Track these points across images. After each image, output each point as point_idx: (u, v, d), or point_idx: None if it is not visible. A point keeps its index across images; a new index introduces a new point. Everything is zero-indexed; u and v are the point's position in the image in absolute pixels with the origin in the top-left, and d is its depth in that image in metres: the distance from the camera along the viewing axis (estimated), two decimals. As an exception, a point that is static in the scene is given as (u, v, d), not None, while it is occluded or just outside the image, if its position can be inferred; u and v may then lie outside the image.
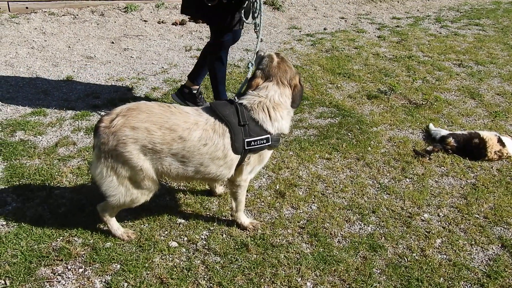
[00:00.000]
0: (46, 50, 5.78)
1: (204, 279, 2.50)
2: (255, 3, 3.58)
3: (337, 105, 4.87)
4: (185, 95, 4.31)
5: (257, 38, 3.69)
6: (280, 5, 8.59)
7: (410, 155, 3.99)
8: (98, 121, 2.42)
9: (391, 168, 3.78)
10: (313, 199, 3.28)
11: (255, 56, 3.43)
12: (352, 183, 3.52)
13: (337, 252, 2.77)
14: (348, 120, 4.56)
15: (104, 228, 2.78)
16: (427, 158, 3.94)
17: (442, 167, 3.87)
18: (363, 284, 2.55)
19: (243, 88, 3.05)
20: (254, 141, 2.52)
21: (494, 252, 2.91)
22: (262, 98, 2.57)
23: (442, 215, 3.24)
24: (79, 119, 4.11)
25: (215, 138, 2.45)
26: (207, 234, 2.85)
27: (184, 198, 3.17)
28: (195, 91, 4.33)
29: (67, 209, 2.95)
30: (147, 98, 4.66)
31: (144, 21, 7.19)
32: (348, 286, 2.54)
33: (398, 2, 10.39)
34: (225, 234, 2.86)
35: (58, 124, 4.01)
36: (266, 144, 2.56)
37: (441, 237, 3.00)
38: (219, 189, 3.22)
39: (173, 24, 7.27)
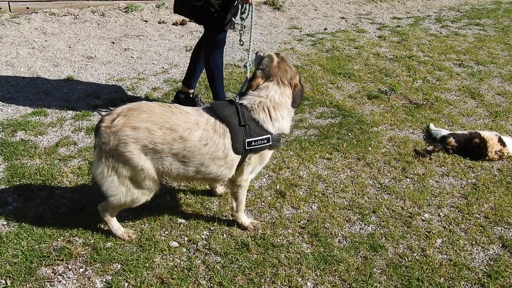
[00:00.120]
0: (47, 50, 5.78)
1: (204, 279, 2.51)
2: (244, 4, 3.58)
3: (338, 105, 4.87)
4: (181, 101, 4.29)
5: (240, 40, 3.80)
6: (280, 5, 8.59)
7: (410, 155, 3.99)
8: (99, 121, 2.43)
9: (391, 168, 3.78)
10: (314, 199, 3.28)
11: (249, 56, 3.44)
12: (352, 183, 3.52)
13: (338, 252, 2.77)
14: (349, 120, 4.56)
15: (105, 228, 2.78)
16: (428, 158, 3.94)
17: (443, 167, 3.87)
18: (364, 284, 2.55)
19: (243, 88, 3.05)
20: (255, 141, 2.52)
21: (494, 252, 2.91)
22: (263, 98, 2.57)
23: (443, 215, 3.24)
24: (80, 119, 4.11)
25: (215, 138, 2.45)
26: (208, 234, 2.85)
27: (185, 198, 3.18)
28: (191, 95, 4.34)
29: (68, 209, 2.95)
30: (147, 98, 4.66)
31: (145, 21, 7.19)
32: (348, 286, 2.54)
33: (399, 2, 10.39)
34: (226, 234, 2.86)
35: (58, 124, 4.01)
36: (267, 144, 2.56)
37: (441, 237, 3.00)
38: (220, 189, 3.22)
39: (173, 24, 7.28)
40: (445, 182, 3.66)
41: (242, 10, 3.68)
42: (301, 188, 3.40)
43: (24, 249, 2.58)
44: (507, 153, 4.02)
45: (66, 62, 5.50)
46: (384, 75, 5.91)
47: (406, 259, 2.78)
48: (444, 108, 5.01)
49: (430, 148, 4.07)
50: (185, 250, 2.71)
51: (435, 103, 5.07)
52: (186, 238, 2.80)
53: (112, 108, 3.98)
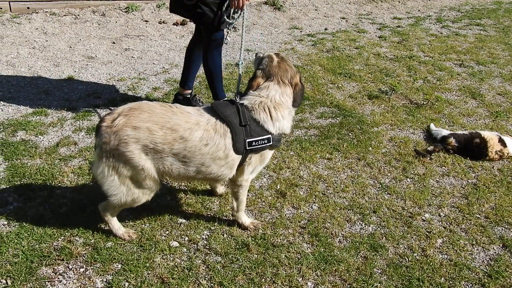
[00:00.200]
0: (48, 50, 5.79)
1: (205, 279, 2.51)
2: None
3: (338, 105, 4.87)
4: (180, 103, 4.27)
5: (225, 38, 3.77)
6: (281, 5, 8.59)
7: (411, 155, 3.99)
8: (100, 120, 2.43)
9: (392, 168, 3.78)
10: (314, 199, 3.28)
11: (241, 54, 3.42)
12: (353, 183, 3.52)
13: (338, 252, 2.77)
14: (349, 120, 4.56)
15: (105, 228, 2.78)
16: (428, 158, 3.94)
17: (443, 167, 3.87)
18: (364, 284, 2.55)
19: (239, 86, 3.06)
20: (255, 141, 2.52)
21: (495, 252, 2.91)
22: (263, 98, 2.57)
23: (443, 215, 3.24)
24: (80, 119, 4.11)
25: (216, 138, 2.45)
26: (208, 234, 2.85)
27: (185, 198, 3.18)
28: (188, 96, 4.33)
29: (68, 208, 2.96)
30: (148, 98, 4.66)
31: (145, 21, 7.19)
32: (349, 286, 2.54)
33: (399, 2, 10.38)
34: (226, 234, 2.86)
35: (59, 124, 4.01)
36: (267, 144, 2.57)
37: (442, 237, 3.00)
38: (220, 189, 3.22)
39: (174, 24, 7.28)
40: (446, 182, 3.66)
41: (235, 10, 3.65)
42: (302, 188, 3.40)
43: (24, 248, 2.58)
44: (507, 154, 4.02)
45: (67, 62, 5.51)
46: (384, 75, 5.91)
47: (407, 259, 2.78)
48: (444, 108, 5.01)
49: (430, 148, 4.07)
50: (185, 250, 2.71)
51: (436, 103, 5.07)
52: (186, 238, 2.80)
53: (112, 108, 3.99)
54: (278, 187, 3.38)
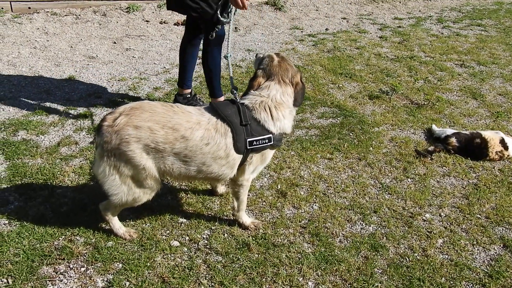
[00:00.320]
0: (49, 50, 5.80)
1: (205, 279, 2.51)
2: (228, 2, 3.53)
3: (339, 105, 4.87)
4: (180, 103, 4.27)
5: (211, 35, 3.66)
6: (282, 6, 8.60)
7: (411, 155, 3.99)
8: (101, 120, 2.43)
9: (392, 168, 3.78)
10: (315, 199, 3.28)
11: (228, 45, 3.39)
12: (353, 183, 3.52)
13: (339, 252, 2.77)
14: (350, 120, 4.56)
15: (106, 227, 2.78)
16: (429, 158, 3.94)
17: (444, 167, 3.87)
18: (365, 283, 2.55)
19: (233, 82, 3.05)
20: (256, 140, 2.52)
21: (495, 252, 2.91)
22: (264, 97, 2.57)
23: (444, 215, 3.23)
24: (81, 119, 4.12)
25: (217, 138, 2.45)
26: (209, 233, 2.85)
27: (186, 197, 3.18)
28: (188, 95, 4.33)
29: (69, 208, 2.96)
30: (149, 98, 4.67)
31: (146, 21, 7.20)
32: (349, 285, 2.54)
33: (400, 2, 10.38)
34: (227, 233, 2.87)
35: (60, 123, 4.02)
36: (268, 143, 2.57)
37: (442, 237, 3.00)
38: (221, 188, 3.22)
39: (175, 24, 7.28)
40: (446, 182, 3.66)
41: (229, 8, 3.62)
42: (302, 188, 3.41)
43: (25, 248, 2.59)
44: (507, 155, 4.02)
45: (68, 62, 5.51)
46: (385, 75, 5.91)
47: (407, 259, 2.78)
48: (445, 109, 5.01)
49: (431, 148, 4.07)
50: (186, 249, 2.71)
51: (437, 104, 5.07)
52: (187, 238, 2.80)
53: (113, 108, 3.99)
54: (279, 187, 3.39)
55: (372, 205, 3.28)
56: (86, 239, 2.70)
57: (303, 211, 3.14)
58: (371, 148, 4.06)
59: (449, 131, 4.20)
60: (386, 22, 8.82)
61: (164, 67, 5.59)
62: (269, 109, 2.56)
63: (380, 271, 2.67)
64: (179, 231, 2.85)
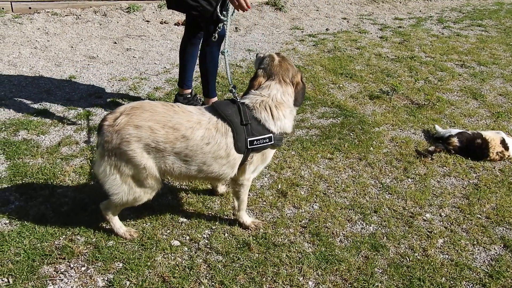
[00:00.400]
0: (49, 50, 5.80)
1: (206, 278, 2.51)
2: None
3: (339, 105, 4.88)
4: (181, 103, 4.27)
5: (213, 36, 3.64)
6: (282, 6, 8.60)
7: (412, 155, 3.99)
8: (102, 119, 2.43)
9: (393, 168, 3.78)
10: (315, 199, 3.28)
11: (225, 40, 3.38)
12: (354, 183, 3.52)
13: (339, 252, 2.77)
14: (350, 120, 4.56)
15: (107, 227, 2.78)
16: (429, 158, 3.94)
17: (444, 167, 3.87)
18: (365, 283, 2.56)
19: (230, 78, 3.05)
20: (257, 140, 2.53)
21: (496, 252, 2.91)
22: (265, 97, 2.58)
23: (444, 215, 3.23)
24: (82, 119, 4.12)
25: (217, 137, 2.46)
26: (209, 233, 2.86)
27: (186, 197, 3.18)
28: (189, 95, 4.33)
29: (70, 208, 2.96)
30: (149, 98, 4.67)
31: (147, 21, 7.20)
32: (350, 285, 2.54)
33: (400, 2, 10.38)
34: (227, 233, 2.87)
35: (60, 123, 4.02)
36: (269, 143, 2.57)
37: (443, 237, 3.00)
38: (221, 188, 3.22)
39: (175, 24, 7.29)
40: (447, 182, 3.66)
41: (227, 7, 3.61)
42: (303, 187, 3.41)
43: (26, 247, 2.59)
44: (508, 155, 4.02)
45: (68, 62, 5.52)
46: (385, 75, 5.91)
47: (408, 259, 2.78)
48: (446, 109, 5.01)
49: (431, 148, 4.07)
50: (186, 249, 2.71)
51: (437, 104, 5.07)
52: (187, 237, 2.81)
53: (114, 108, 3.99)
54: (279, 186, 3.39)
55: (373, 205, 3.28)
56: (86, 239, 2.71)
57: (303, 210, 3.14)
58: (371, 148, 4.06)
59: (454, 131, 4.18)
60: (387, 22, 8.82)
61: (165, 67, 5.59)
62: (270, 108, 2.56)
63: (380, 271, 2.67)
64: (180, 231, 2.85)
